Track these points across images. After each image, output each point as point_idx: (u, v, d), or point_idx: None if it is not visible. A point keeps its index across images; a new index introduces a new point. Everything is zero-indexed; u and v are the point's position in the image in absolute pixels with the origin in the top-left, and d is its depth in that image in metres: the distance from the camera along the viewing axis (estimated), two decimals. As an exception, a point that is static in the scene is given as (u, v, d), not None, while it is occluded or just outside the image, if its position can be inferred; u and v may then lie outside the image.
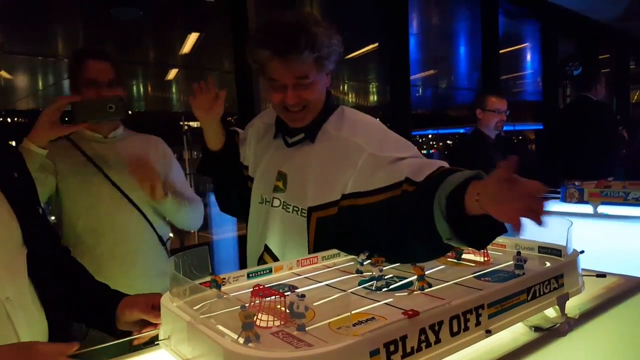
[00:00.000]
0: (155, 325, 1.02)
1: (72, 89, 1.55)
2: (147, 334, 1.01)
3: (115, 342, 0.98)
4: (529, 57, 6.61)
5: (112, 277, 1.58)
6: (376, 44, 5.56)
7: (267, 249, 1.30)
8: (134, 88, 8.32)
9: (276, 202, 1.28)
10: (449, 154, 3.70)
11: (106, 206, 1.58)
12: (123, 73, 1.59)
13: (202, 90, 1.32)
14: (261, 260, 1.31)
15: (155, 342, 0.86)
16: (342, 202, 1.18)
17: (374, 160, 1.15)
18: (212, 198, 1.59)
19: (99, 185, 1.58)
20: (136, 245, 1.60)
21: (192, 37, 5.31)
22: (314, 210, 1.21)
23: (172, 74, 7.65)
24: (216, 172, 1.49)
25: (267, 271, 1.08)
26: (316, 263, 1.13)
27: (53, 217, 1.65)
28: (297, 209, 1.23)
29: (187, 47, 5.60)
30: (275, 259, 1.27)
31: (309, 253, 1.19)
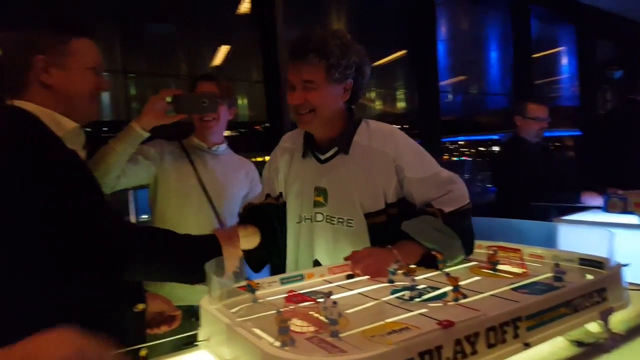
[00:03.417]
0: (171, 323, 1.21)
1: None
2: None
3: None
4: (564, 61, 6.43)
5: None
6: (404, 51, 5.54)
7: (317, 263, 1.32)
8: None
9: (319, 217, 1.31)
10: (490, 162, 3.61)
11: (192, 206, 1.73)
12: (229, 90, 1.81)
13: None
14: None
15: (195, 343, 0.89)
16: (389, 210, 1.26)
17: (404, 174, 1.26)
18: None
19: (191, 187, 1.74)
20: None
21: (223, 50, 5.45)
22: (365, 218, 1.27)
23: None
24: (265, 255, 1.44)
25: (299, 278, 1.09)
26: (348, 271, 1.13)
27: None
28: (342, 220, 1.28)
29: (217, 59, 5.74)
30: None
31: None
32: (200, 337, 0.89)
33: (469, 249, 1.20)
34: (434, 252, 1.12)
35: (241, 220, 1.46)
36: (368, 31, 4.79)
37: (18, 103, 1.04)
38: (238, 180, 1.84)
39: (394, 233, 1.22)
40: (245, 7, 4.10)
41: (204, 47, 5.43)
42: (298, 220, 1.36)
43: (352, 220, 1.27)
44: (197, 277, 1.10)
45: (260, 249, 1.36)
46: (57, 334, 0.56)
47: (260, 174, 1.96)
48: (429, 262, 1.13)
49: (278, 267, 1.44)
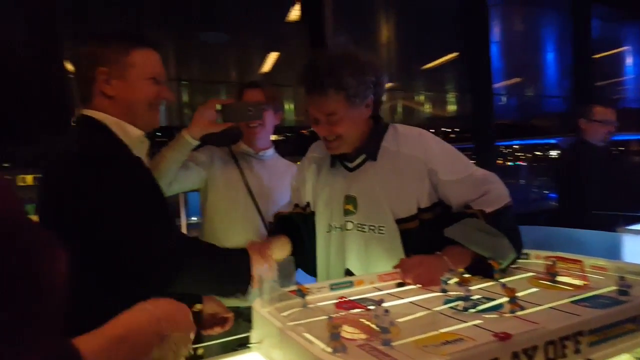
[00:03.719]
0: (224, 324, 1.23)
1: None
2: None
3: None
4: (628, 61, 6.05)
5: None
6: (456, 53, 5.42)
7: (348, 272, 1.31)
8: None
9: (349, 225, 1.30)
10: (548, 167, 3.45)
11: (239, 210, 1.79)
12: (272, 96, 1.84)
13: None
14: None
15: (248, 345, 0.91)
16: (422, 215, 1.25)
17: (438, 177, 1.24)
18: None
19: (239, 191, 1.80)
20: None
21: (272, 56, 5.58)
22: (397, 224, 1.25)
23: (252, 91, 8.05)
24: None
25: (349, 284, 1.09)
26: (398, 279, 1.12)
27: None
28: (373, 227, 1.27)
29: (267, 65, 5.89)
30: None
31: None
32: (253, 339, 0.91)
33: (518, 248, 1.16)
34: (490, 261, 1.08)
35: (272, 230, 1.48)
36: (418, 34, 4.73)
37: (88, 112, 1.11)
38: (284, 185, 1.85)
39: (427, 239, 1.20)
40: (294, 14, 4.17)
41: (254, 54, 5.59)
42: (327, 229, 1.35)
43: (384, 227, 1.26)
44: (230, 290, 1.16)
45: (292, 256, 1.39)
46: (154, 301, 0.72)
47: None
48: (481, 268, 1.10)
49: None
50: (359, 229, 1.29)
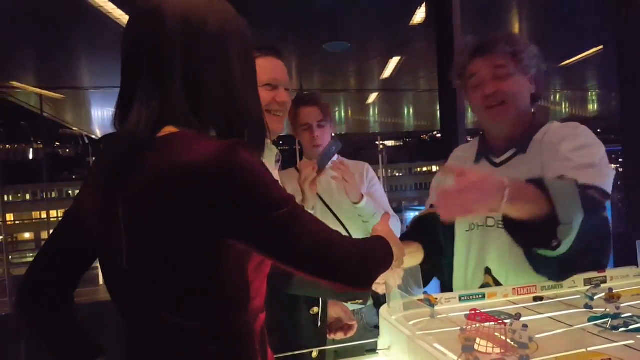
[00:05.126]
0: (347, 331, 1.29)
1: (293, 129, 1.92)
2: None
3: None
4: None
5: None
6: (599, 47, 4.87)
7: (488, 271, 1.25)
8: (337, 114, 9.13)
9: (490, 222, 1.25)
10: None
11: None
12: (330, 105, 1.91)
13: None
14: (484, 286, 1.26)
15: (376, 350, 0.94)
16: None
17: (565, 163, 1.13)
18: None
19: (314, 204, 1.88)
20: None
21: (393, 62, 5.56)
22: None
23: (372, 98, 8.10)
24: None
25: (480, 296, 1.06)
26: (534, 293, 1.06)
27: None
28: None
29: (387, 71, 5.89)
30: (497, 282, 1.22)
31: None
32: (380, 345, 0.94)
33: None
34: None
35: (406, 235, 1.46)
36: (553, 28, 4.35)
37: None
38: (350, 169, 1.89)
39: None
40: (419, 17, 4.10)
41: (375, 60, 5.63)
42: (468, 228, 1.30)
43: None
44: (350, 295, 1.14)
45: (425, 263, 1.34)
46: None
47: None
48: (543, 225, 0.92)
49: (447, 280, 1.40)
50: (501, 225, 1.19)
